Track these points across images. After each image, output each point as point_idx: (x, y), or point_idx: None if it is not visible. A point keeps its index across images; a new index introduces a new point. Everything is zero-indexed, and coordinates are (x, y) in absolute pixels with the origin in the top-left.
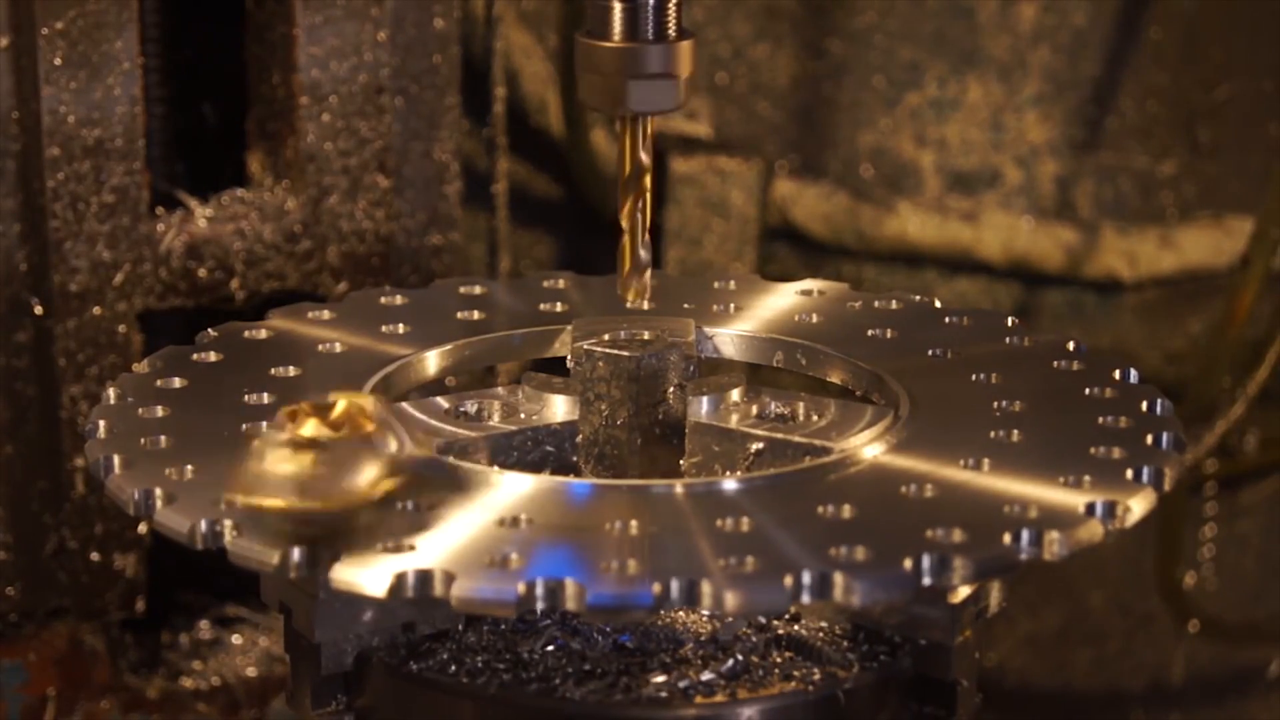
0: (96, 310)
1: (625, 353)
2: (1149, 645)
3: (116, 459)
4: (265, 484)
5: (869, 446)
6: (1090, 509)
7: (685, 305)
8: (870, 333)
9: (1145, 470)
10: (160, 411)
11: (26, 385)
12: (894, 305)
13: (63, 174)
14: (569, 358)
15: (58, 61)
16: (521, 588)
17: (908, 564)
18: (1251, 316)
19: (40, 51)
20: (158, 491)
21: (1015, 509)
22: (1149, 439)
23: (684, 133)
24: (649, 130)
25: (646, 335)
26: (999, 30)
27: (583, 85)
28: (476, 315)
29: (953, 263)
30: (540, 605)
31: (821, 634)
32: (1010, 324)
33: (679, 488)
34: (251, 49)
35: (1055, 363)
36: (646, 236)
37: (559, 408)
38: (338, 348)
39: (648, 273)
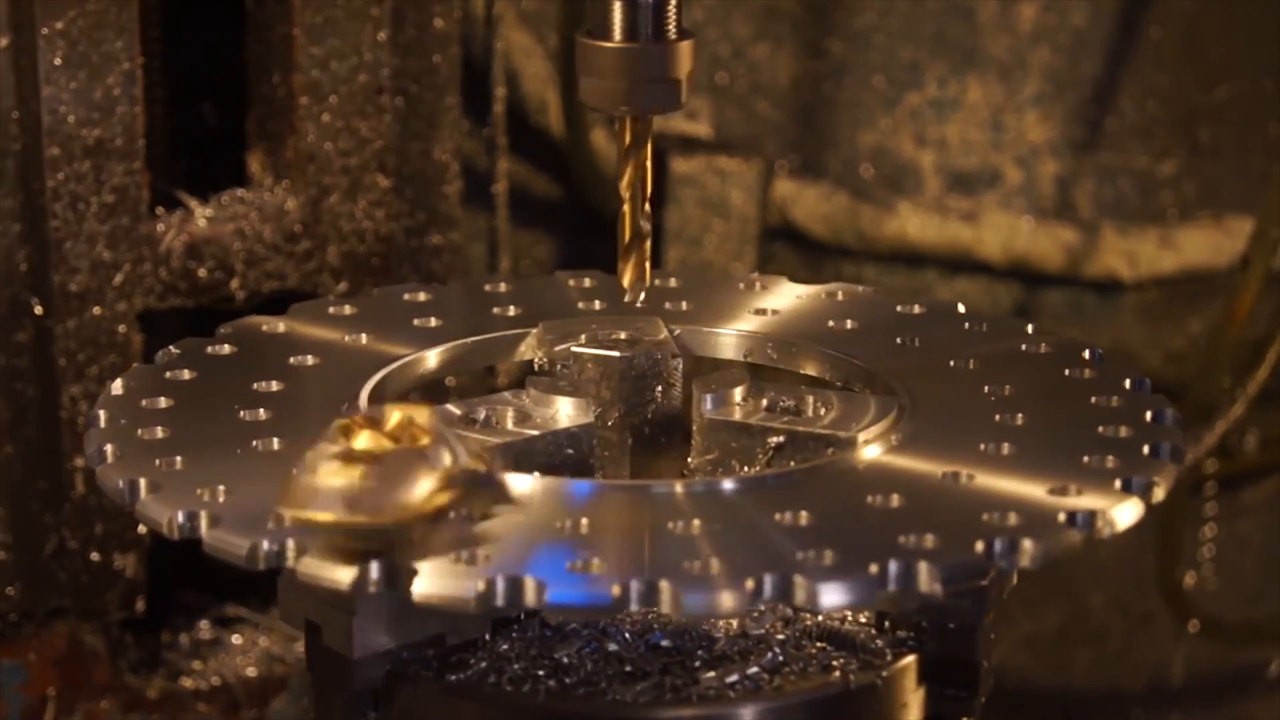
0: (96, 310)
1: (615, 353)
2: (1149, 645)
3: (143, 482)
4: (316, 498)
5: (890, 436)
6: (1127, 486)
7: (637, 305)
8: (830, 324)
9: (1163, 447)
10: (161, 432)
11: (26, 385)
12: (840, 296)
13: (63, 174)
14: (535, 361)
15: (58, 61)
16: (616, 590)
17: (979, 548)
18: (1251, 316)
19: (40, 51)
20: (202, 514)
21: (1057, 491)
22: (1150, 416)
23: (684, 133)
24: (649, 138)
25: (622, 335)
26: (999, 30)
27: (584, 86)
28: (433, 322)
29: (953, 263)
30: (634, 607)
31: (847, 622)
32: (960, 310)
33: (728, 484)
34: (251, 49)
35: (1022, 345)
36: (647, 207)
37: (570, 410)
38: (309, 360)
39: (647, 243)
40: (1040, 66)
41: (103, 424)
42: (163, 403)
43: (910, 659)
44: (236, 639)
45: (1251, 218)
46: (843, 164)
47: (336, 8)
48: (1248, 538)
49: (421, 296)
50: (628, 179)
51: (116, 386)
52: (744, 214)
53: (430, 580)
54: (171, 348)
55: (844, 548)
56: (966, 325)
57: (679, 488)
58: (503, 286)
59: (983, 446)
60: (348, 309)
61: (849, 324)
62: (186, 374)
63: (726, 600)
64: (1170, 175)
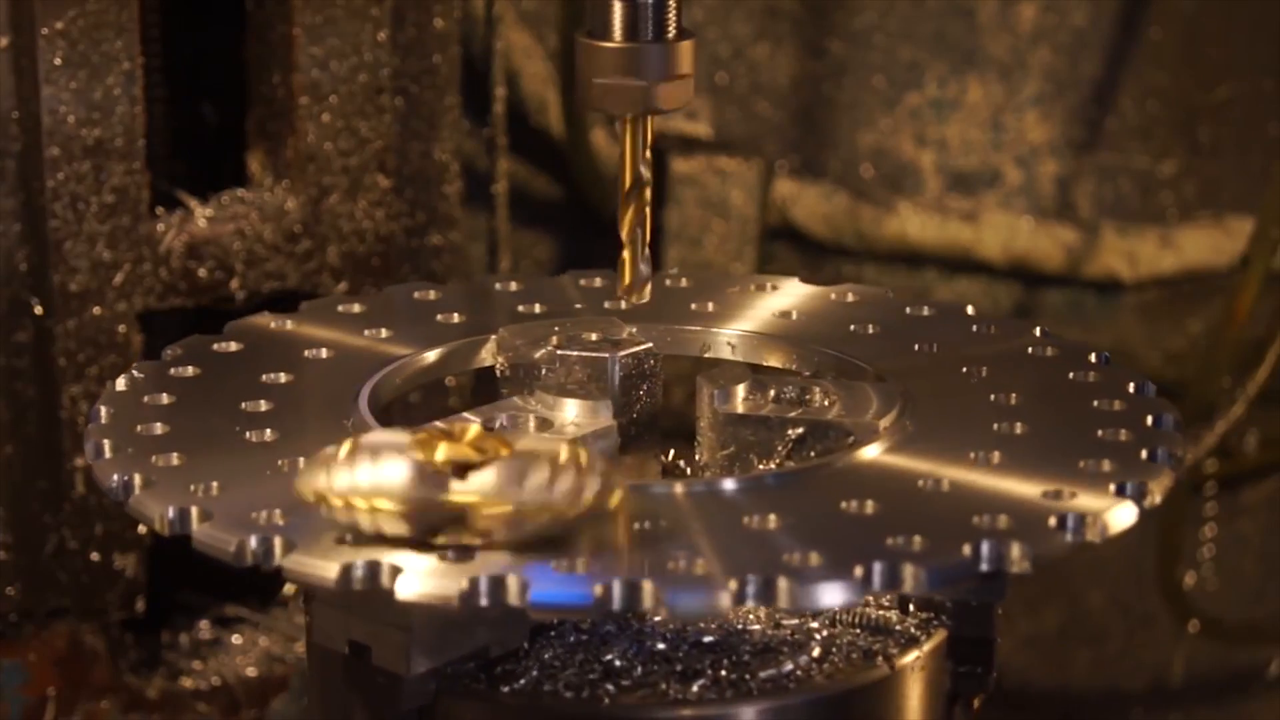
0: (96, 310)
1: (604, 354)
2: (1149, 645)
3: (194, 510)
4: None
5: (905, 423)
6: (1153, 456)
7: (577, 306)
8: (775, 314)
9: (1165, 419)
10: (177, 459)
11: (26, 385)
12: (771, 286)
13: (63, 174)
14: (498, 367)
15: (58, 61)
16: (733, 585)
17: (1052, 522)
18: (1251, 316)
19: (40, 51)
20: (276, 540)
21: (1092, 466)
22: (1132, 388)
23: (684, 133)
24: (649, 138)
25: (593, 336)
26: (999, 30)
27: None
28: (384, 333)
29: (953, 263)
30: (751, 602)
31: (875, 607)
32: (891, 295)
33: (789, 477)
34: (251, 49)
35: (973, 328)
36: (647, 251)
37: (588, 412)
38: (282, 377)
39: (648, 286)
40: (1040, 66)
41: (109, 453)
42: (158, 428)
43: (941, 637)
44: (236, 639)
45: (1251, 218)
46: (843, 164)
47: (336, 8)
48: (1248, 538)
49: (356, 308)
50: (629, 223)
51: (103, 414)
52: (744, 214)
53: (543, 587)
54: (134, 370)
55: (926, 533)
56: (908, 310)
57: (731, 484)
58: (432, 294)
59: (996, 427)
60: (289, 324)
61: (795, 315)
62: (165, 398)
63: (840, 591)
64: (1170, 175)
